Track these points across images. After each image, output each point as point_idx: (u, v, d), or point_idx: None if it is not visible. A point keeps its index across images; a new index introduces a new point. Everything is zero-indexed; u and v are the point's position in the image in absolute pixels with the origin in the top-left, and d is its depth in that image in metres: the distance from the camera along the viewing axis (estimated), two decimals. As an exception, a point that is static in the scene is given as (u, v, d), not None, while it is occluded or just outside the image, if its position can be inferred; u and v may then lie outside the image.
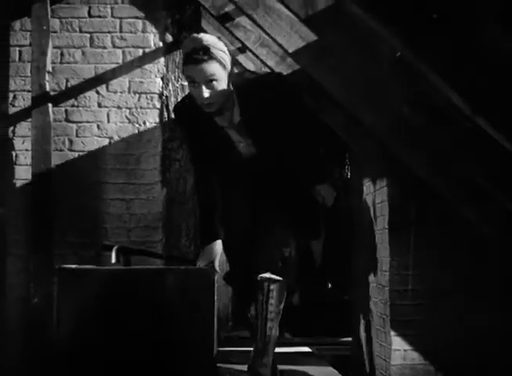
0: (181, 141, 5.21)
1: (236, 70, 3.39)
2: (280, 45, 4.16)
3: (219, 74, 3.18)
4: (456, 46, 2.36)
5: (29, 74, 5.36)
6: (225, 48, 3.22)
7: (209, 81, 3.16)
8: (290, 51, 4.06)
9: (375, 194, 4.88)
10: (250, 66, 6.18)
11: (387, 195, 4.48)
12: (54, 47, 5.40)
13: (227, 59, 3.20)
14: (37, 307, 5.11)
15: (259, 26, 4.20)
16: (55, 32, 5.43)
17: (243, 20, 4.98)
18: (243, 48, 6.15)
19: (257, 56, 5.31)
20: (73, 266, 3.36)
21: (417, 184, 4.12)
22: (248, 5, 4.09)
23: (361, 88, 3.77)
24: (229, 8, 4.98)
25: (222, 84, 3.20)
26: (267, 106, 3.30)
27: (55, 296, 3.21)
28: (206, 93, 3.18)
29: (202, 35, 3.20)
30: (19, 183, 5.33)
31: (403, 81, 3.42)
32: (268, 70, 5.03)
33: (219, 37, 3.31)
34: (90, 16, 5.45)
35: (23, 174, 5.33)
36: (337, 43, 3.61)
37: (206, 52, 3.14)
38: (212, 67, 3.15)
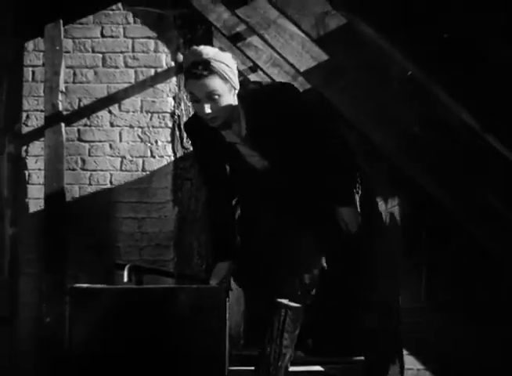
0: (193, 159, 5.23)
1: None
2: (292, 65, 4.18)
3: (221, 88, 3.02)
4: (467, 66, 2.36)
5: (42, 94, 5.40)
6: (229, 59, 3.06)
7: (210, 97, 3.01)
8: (302, 70, 4.09)
9: (387, 213, 4.88)
10: (262, 86, 6.19)
11: (398, 214, 4.48)
12: (67, 67, 5.44)
13: (229, 72, 3.04)
14: (49, 326, 5.11)
15: (270, 45, 4.23)
16: (68, 52, 5.47)
17: (254, 40, 5.01)
18: (255, 68, 6.18)
19: (268, 76, 5.33)
20: (86, 285, 3.37)
21: (429, 203, 4.11)
22: (260, 25, 4.12)
23: (371, 107, 3.78)
24: (241, 28, 5.01)
25: (225, 98, 3.05)
26: (273, 116, 3.17)
27: (68, 315, 3.21)
28: (207, 109, 3.03)
29: (202, 48, 3.04)
30: (31, 202, 5.35)
31: (414, 100, 3.43)
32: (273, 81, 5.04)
33: (221, 48, 3.20)
34: (102, 36, 5.49)
35: (35, 193, 5.36)
36: (348, 62, 3.63)
37: (206, 67, 2.99)
38: (213, 82, 3.00)
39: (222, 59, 3.02)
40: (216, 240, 3.44)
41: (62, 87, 5.38)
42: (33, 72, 5.48)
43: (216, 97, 3.01)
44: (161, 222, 5.36)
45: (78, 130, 5.43)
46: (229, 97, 3.06)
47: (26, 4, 5.43)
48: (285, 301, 3.23)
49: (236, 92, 3.10)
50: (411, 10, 2.37)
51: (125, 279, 3.41)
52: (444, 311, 4.41)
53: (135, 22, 5.49)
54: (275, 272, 3.31)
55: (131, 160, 5.40)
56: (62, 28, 5.41)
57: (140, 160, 5.42)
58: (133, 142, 5.41)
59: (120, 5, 5.54)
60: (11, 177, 5.37)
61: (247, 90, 3.20)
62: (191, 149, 4.99)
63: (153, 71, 5.45)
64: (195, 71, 2.98)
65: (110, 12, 5.52)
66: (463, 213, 3.72)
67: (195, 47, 3.06)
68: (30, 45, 5.50)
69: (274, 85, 3.44)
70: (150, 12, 5.47)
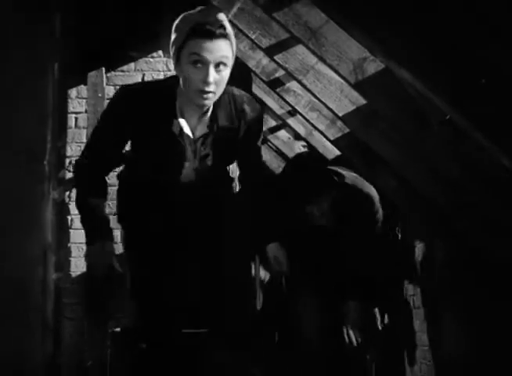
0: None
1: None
2: (330, 109, 4.20)
3: (230, 58, 2.61)
4: (507, 110, 2.37)
5: (84, 140, 5.49)
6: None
7: (219, 64, 2.58)
8: (340, 114, 4.11)
9: (422, 253, 4.85)
10: (301, 131, 6.23)
11: (436, 255, 4.45)
12: (109, 113, 5.53)
13: (235, 47, 2.65)
14: (91, 370, 5.13)
15: (309, 90, 4.26)
16: (110, 99, 5.57)
17: (293, 85, 5.05)
18: (294, 112, 6.22)
19: (307, 120, 5.36)
20: (126, 329, 3.38)
21: (471, 248, 4.08)
22: (298, 71, 4.16)
23: (411, 150, 3.78)
24: (280, 73, 5.06)
25: (227, 73, 2.63)
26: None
27: (109, 359, 3.23)
28: (211, 77, 2.55)
29: (217, 8, 2.72)
30: (74, 247, 5.41)
31: (453, 143, 3.43)
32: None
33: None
34: (144, 83, 5.58)
35: (78, 238, 5.42)
36: (386, 106, 3.64)
37: (224, 28, 2.56)
38: (226, 47, 2.58)
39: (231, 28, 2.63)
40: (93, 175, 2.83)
41: (104, 133, 5.47)
42: (76, 119, 5.58)
43: (222, 68, 2.60)
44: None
45: (120, 175, 5.50)
46: (227, 76, 2.65)
47: (70, 52, 5.55)
48: None
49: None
50: (450, 55, 2.39)
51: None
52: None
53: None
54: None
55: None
56: (104, 75, 5.51)
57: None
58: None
59: (160, 52, 5.63)
60: (54, 222, 5.44)
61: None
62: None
63: (193, 117, 5.51)
64: (209, 28, 2.53)
65: (151, 60, 5.62)
66: (507, 259, 3.67)
67: (207, 6, 2.66)
68: (73, 92, 5.61)
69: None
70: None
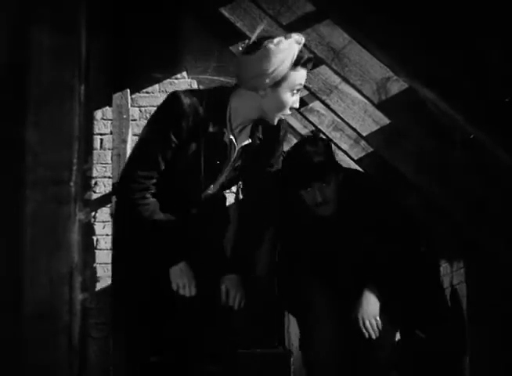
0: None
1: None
2: (354, 129, 4.21)
3: None
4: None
5: (109, 161, 5.53)
6: None
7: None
8: (364, 134, 4.11)
9: (452, 275, 4.81)
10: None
11: (464, 277, 4.41)
12: (134, 135, 5.56)
13: None
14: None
15: (333, 110, 4.27)
16: (134, 120, 5.61)
17: (316, 105, 5.06)
18: (317, 132, 6.23)
19: (330, 140, 5.37)
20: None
21: (497, 267, 4.04)
22: (322, 91, 4.18)
23: (435, 170, 3.78)
24: (303, 93, 5.08)
25: None
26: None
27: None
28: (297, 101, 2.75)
29: None
30: (99, 267, 5.44)
31: (477, 163, 3.43)
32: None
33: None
34: (168, 104, 5.60)
35: (103, 258, 5.44)
36: (410, 126, 3.64)
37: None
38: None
39: None
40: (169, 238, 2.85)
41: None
42: (101, 140, 5.63)
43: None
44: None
45: (145, 196, 5.53)
46: None
47: (94, 75, 5.60)
48: None
49: None
50: (472, 75, 2.40)
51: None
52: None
53: (199, 88, 5.61)
54: None
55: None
56: (129, 97, 5.55)
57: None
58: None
59: (185, 73, 5.67)
60: (80, 243, 5.47)
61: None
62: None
63: (217, 137, 5.54)
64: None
65: (175, 81, 5.66)
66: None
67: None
68: (98, 113, 5.66)
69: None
70: (214, 80, 5.59)
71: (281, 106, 2.71)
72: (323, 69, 4.06)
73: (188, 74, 5.61)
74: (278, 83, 2.67)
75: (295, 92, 2.70)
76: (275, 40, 2.67)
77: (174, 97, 2.74)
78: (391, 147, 3.99)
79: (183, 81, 5.61)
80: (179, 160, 2.79)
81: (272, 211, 3.07)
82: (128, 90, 5.54)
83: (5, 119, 1.47)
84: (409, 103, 3.44)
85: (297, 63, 2.65)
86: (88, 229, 5.51)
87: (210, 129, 2.76)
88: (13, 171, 1.45)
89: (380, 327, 3.08)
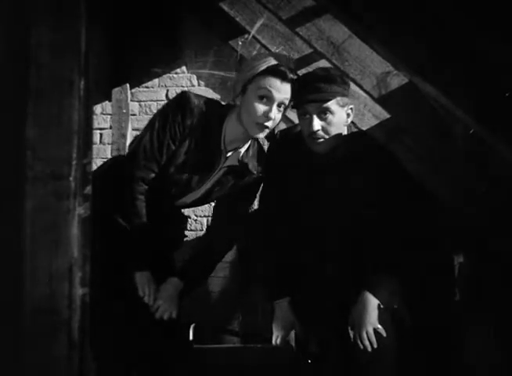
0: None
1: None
2: (353, 123, 4.20)
3: (288, 103, 2.87)
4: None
5: (109, 156, 5.52)
6: None
7: (281, 104, 2.79)
8: (364, 129, 4.10)
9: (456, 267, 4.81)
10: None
11: (467, 269, 4.41)
12: (133, 129, 5.56)
13: None
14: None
15: (332, 105, 4.25)
16: (134, 115, 5.60)
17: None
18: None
19: (330, 134, 5.37)
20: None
21: (502, 263, 4.03)
22: (321, 86, 4.16)
23: (435, 165, 3.77)
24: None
25: (281, 116, 2.88)
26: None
27: None
28: (273, 113, 2.76)
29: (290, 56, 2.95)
30: (99, 262, 5.45)
31: (478, 157, 3.42)
32: None
33: None
34: (168, 98, 5.60)
35: (103, 253, 5.45)
36: (410, 121, 3.64)
37: (293, 73, 2.86)
38: (290, 92, 2.82)
39: None
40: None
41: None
42: (100, 135, 5.62)
43: (282, 108, 2.82)
44: (226, 281, 5.38)
45: (144, 191, 5.53)
46: (281, 117, 2.90)
47: (94, 69, 5.59)
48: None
49: None
50: (472, 68, 2.39)
51: (191, 338, 3.43)
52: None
53: (199, 84, 5.60)
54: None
55: (195, 220, 5.46)
56: (129, 92, 5.55)
57: (204, 220, 5.46)
58: (198, 201, 5.48)
59: (184, 68, 5.66)
60: (80, 238, 5.47)
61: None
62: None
63: (217, 132, 5.53)
64: (284, 70, 2.79)
65: (175, 76, 5.64)
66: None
67: (282, 53, 2.97)
68: (97, 108, 5.64)
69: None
70: (214, 75, 5.58)
71: (251, 111, 2.73)
72: (323, 63, 4.05)
73: (187, 68, 5.61)
74: (245, 86, 2.76)
75: (265, 100, 2.72)
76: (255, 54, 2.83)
77: (184, 95, 2.82)
78: (391, 142, 3.98)
79: (183, 76, 5.61)
80: (173, 158, 2.85)
81: (237, 236, 3.12)
82: (128, 85, 5.53)
83: (4, 114, 1.46)
84: (409, 97, 3.44)
85: (268, 69, 2.72)
86: (87, 224, 5.49)
87: (207, 136, 2.83)
88: (13, 166, 1.45)
89: (381, 333, 2.92)
